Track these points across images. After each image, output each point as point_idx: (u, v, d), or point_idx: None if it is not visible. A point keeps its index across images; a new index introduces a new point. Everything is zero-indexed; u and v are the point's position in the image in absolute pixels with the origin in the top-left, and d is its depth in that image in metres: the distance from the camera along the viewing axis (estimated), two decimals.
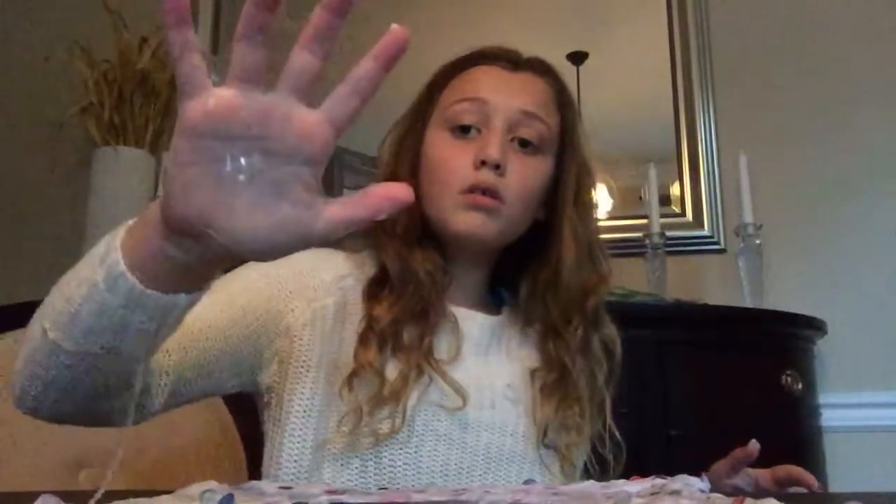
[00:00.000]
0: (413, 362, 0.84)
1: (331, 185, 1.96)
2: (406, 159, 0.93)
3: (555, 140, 0.93)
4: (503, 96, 0.90)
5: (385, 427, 0.82)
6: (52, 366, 0.61)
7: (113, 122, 2.20)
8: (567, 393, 0.89)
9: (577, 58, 2.20)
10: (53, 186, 2.38)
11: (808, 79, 2.12)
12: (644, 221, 1.99)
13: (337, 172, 1.95)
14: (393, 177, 0.93)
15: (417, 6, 2.35)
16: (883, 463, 1.87)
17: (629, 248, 2.04)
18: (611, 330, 0.94)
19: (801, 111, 2.11)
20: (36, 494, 0.48)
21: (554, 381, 0.90)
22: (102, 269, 0.56)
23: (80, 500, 0.46)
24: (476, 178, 0.87)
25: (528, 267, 0.95)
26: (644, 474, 0.60)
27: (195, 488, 0.55)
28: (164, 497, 0.53)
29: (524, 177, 0.89)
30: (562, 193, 0.92)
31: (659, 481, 0.58)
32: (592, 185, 0.95)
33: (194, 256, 0.53)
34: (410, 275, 0.87)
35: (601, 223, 2.13)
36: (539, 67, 0.96)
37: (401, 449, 0.83)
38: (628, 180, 2.20)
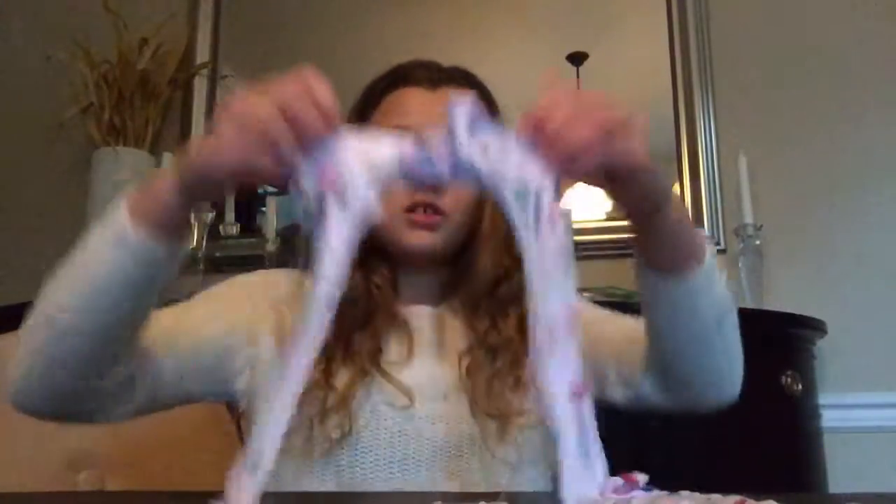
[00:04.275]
0: (359, 367, 0.88)
1: None
2: None
3: None
4: (430, 119, 0.94)
5: (337, 433, 0.85)
6: (49, 343, 0.73)
7: (113, 123, 2.20)
8: (491, 367, 0.90)
9: (577, 58, 2.19)
10: (53, 186, 2.38)
11: (808, 79, 2.12)
12: None
13: None
14: None
15: (417, 6, 2.34)
16: (883, 463, 1.87)
17: (629, 249, 2.03)
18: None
19: (801, 111, 2.11)
20: (36, 495, 0.48)
21: (475, 359, 0.91)
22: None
23: (80, 501, 0.46)
24: (413, 198, 0.92)
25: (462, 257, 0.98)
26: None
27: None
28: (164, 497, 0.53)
29: (461, 189, 0.94)
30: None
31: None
32: None
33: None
34: (350, 293, 0.90)
35: (600, 224, 2.16)
36: (460, 79, 1.00)
37: (356, 449, 0.86)
38: None
